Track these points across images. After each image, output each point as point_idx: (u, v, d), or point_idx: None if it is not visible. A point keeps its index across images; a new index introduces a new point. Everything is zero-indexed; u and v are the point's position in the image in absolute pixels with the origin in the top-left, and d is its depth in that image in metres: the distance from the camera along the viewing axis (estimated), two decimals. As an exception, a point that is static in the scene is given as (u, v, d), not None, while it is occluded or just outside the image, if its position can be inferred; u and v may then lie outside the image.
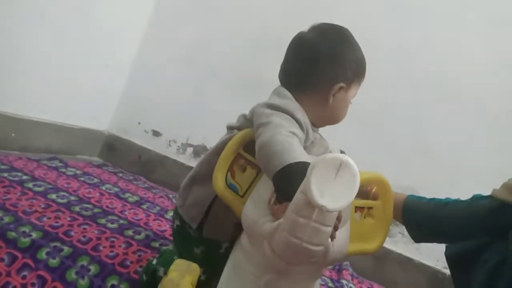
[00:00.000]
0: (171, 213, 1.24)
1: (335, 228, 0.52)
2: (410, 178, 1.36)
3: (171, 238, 1.03)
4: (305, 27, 0.80)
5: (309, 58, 0.74)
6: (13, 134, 1.37)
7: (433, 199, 0.78)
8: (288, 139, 0.58)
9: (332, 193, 0.42)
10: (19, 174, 1.13)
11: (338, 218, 0.52)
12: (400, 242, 1.39)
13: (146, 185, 1.52)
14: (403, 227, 1.38)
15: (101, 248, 0.86)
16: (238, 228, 0.73)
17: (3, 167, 1.14)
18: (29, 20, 1.31)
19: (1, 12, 1.23)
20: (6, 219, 0.85)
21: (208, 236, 0.76)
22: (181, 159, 1.68)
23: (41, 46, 1.38)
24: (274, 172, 0.55)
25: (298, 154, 0.55)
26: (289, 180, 0.52)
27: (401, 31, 1.46)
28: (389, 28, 1.46)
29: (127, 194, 1.30)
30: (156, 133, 1.74)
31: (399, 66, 1.45)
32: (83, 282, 0.75)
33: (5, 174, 1.09)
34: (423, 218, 0.76)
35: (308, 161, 0.53)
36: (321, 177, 0.42)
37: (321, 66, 0.73)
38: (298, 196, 0.47)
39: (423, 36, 1.43)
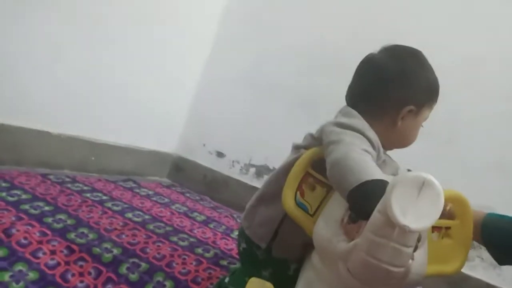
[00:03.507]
0: (236, 232, 1.27)
1: (414, 249, 0.50)
2: (485, 197, 1.26)
3: (238, 256, 1.05)
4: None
5: (378, 79, 0.73)
6: (92, 158, 1.50)
7: (517, 217, 0.72)
8: (362, 157, 0.57)
9: (414, 213, 0.41)
10: (99, 194, 1.22)
11: (418, 238, 0.50)
12: (478, 267, 1.29)
13: (212, 205, 1.57)
14: (481, 251, 1.31)
15: (174, 264, 0.90)
16: (306, 247, 0.73)
17: (85, 188, 1.24)
18: (102, 49, 1.43)
19: (79, 44, 1.35)
20: (91, 236, 0.92)
21: (277, 256, 0.76)
22: (244, 179, 1.72)
23: (115, 77, 1.50)
24: (349, 190, 0.54)
25: (374, 172, 0.54)
26: (365, 198, 0.51)
27: (469, 40, 1.39)
28: (455, 38, 1.40)
29: (195, 214, 1.35)
30: (220, 154, 1.81)
31: (467, 77, 1.37)
32: (160, 297, 0.79)
33: (88, 195, 1.18)
34: (507, 238, 0.71)
35: (385, 179, 0.52)
36: (403, 196, 0.41)
37: (389, 87, 0.71)
38: (376, 215, 0.46)
39: (493, 44, 1.36)
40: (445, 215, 0.65)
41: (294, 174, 0.69)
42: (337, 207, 0.61)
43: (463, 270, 1.30)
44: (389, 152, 0.79)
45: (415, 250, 0.51)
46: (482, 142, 1.34)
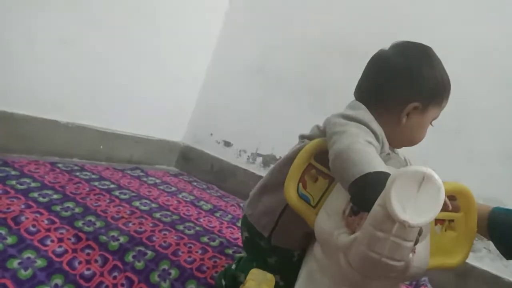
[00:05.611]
0: (242, 221, 1.28)
1: (416, 242, 0.50)
2: (495, 188, 1.25)
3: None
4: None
5: (384, 75, 0.72)
6: (101, 146, 1.51)
7: (525, 211, 0.71)
8: (366, 148, 0.56)
9: (414, 208, 0.41)
10: (107, 183, 1.24)
11: (419, 232, 0.50)
12: (485, 258, 1.28)
13: (219, 194, 1.58)
14: (489, 242, 1.29)
15: (180, 253, 0.91)
16: (307, 237, 0.73)
17: (93, 176, 1.26)
18: (111, 39, 1.44)
19: (87, 33, 1.36)
20: (98, 223, 0.94)
21: (277, 245, 0.77)
22: (251, 168, 1.72)
23: (123, 66, 1.51)
24: (350, 181, 0.54)
25: (377, 164, 0.54)
26: (367, 190, 0.51)
27: (479, 30, 1.36)
28: (464, 26, 1.37)
29: (202, 202, 1.36)
30: (227, 144, 1.81)
31: (476, 66, 1.35)
32: (165, 285, 0.80)
33: (96, 183, 1.20)
34: None
35: (388, 171, 0.52)
36: (402, 191, 0.41)
37: (395, 83, 0.70)
38: (376, 209, 0.46)
39: (504, 34, 1.32)
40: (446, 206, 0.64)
41: (297, 165, 0.68)
42: (339, 199, 0.61)
43: (470, 261, 1.30)
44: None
45: (416, 243, 0.51)
46: (491, 133, 1.32)
